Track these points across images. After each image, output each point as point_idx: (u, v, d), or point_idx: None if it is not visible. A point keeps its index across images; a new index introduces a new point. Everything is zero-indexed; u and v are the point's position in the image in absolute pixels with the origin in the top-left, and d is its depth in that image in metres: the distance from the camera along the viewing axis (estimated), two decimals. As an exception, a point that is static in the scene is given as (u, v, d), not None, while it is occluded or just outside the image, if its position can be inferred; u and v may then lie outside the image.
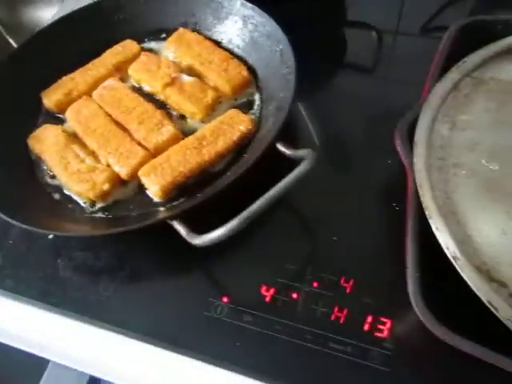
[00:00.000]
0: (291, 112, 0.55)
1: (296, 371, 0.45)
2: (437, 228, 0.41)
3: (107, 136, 0.61)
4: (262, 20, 0.68)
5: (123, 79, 0.71)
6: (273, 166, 0.51)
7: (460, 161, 0.48)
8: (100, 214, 0.58)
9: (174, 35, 0.73)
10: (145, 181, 0.57)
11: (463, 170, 0.47)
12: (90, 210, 0.58)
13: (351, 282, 0.49)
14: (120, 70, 0.72)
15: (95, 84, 0.69)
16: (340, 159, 0.61)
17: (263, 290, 0.50)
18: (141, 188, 0.59)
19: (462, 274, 0.38)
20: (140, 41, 0.75)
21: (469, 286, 0.38)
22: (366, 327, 0.46)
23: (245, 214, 0.41)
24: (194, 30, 0.74)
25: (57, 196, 0.60)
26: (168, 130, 0.61)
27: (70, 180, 0.58)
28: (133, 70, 0.70)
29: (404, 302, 0.40)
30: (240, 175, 0.51)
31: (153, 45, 0.76)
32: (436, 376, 0.43)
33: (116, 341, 0.50)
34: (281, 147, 0.52)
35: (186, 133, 0.63)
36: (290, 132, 0.62)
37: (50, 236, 0.58)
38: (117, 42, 0.74)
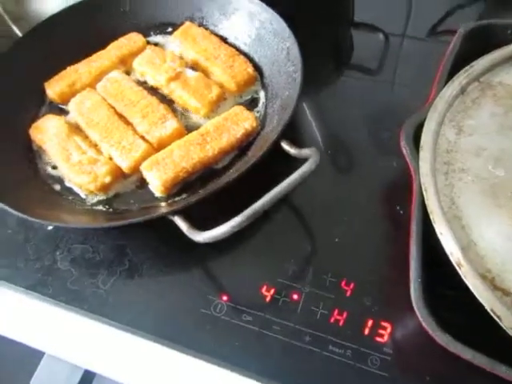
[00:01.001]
0: (296, 111, 0.55)
1: (294, 372, 0.44)
2: (441, 233, 0.41)
3: (110, 128, 0.61)
4: (268, 17, 0.67)
5: (127, 72, 0.71)
6: (276, 163, 0.51)
7: (466, 166, 0.47)
8: (100, 207, 0.57)
9: (180, 29, 0.72)
10: (147, 175, 0.57)
11: (469, 176, 0.47)
12: (91, 202, 0.58)
13: (352, 285, 0.49)
14: (124, 63, 0.71)
15: (99, 76, 0.69)
16: (344, 160, 0.60)
17: (264, 289, 0.49)
18: (142, 182, 0.59)
19: (465, 280, 0.38)
20: (145, 34, 0.74)
21: (472, 293, 0.37)
22: (367, 331, 0.45)
23: (248, 211, 0.40)
24: (200, 25, 0.74)
25: (57, 187, 0.60)
26: (172, 124, 0.61)
27: (71, 171, 0.58)
28: (137, 63, 0.69)
29: (406, 307, 0.39)
30: (243, 172, 0.50)
31: (158, 38, 0.76)
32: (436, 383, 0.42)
33: (113, 335, 0.50)
34: (285, 146, 0.52)
35: (189, 128, 0.63)
36: (294, 131, 0.62)
37: (50, 227, 0.57)
38: (122, 34, 0.73)
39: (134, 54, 0.71)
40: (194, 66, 0.69)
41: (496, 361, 0.36)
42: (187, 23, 0.73)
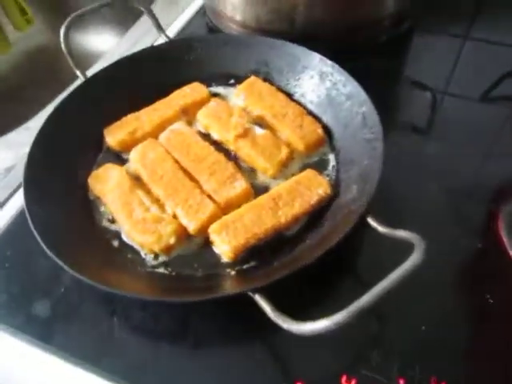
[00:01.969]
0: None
1: None
2: None
3: (175, 185, 0.58)
4: (341, 79, 0.65)
5: (189, 122, 0.69)
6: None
7: None
8: (162, 270, 0.53)
9: (245, 83, 0.71)
10: (215, 239, 0.53)
11: None
12: (151, 263, 0.54)
13: (443, 385, 0.44)
14: (186, 113, 0.69)
15: (161, 125, 0.67)
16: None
17: (343, 379, 0.45)
18: (207, 244, 0.55)
19: None
20: (207, 84, 0.73)
21: None
22: None
23: (353, 307, 0.36)
24: (265, 79, 0.72)
25: (115, 243, 0.56)
26: (241, 184, 0.58)
27: (134, 229, 0.54)
28: (202, 116, 0.67)
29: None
30: (327, 251, 0.46)
31: (220, 90, 0.74)
32: None
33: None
34: (372, 222, 0.48)
35: (255, 188, 0.60)
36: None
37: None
38: (183, 83, 0.72)
39: (197, 104, 0.69)
40: (260, 123, 0.67)
41: None
42: (252, 77, 0.72)
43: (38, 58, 1.24)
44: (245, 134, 0.63)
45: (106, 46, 1.12)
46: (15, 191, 0.65)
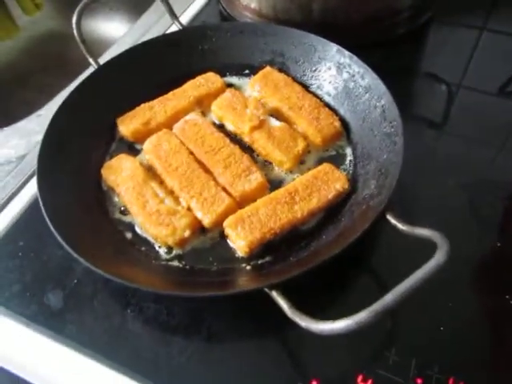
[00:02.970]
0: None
1: None
2: None
3: (190, 177, 0.57)
4: (360, 70, 0.64)
5: (203, 113, 0.68)
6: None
7: None
8: (176, 263, 0.53)
9: (260, 73, 0.69)
10: (230, 233, 0.52)
11: None
12: (165, 256, 0.53)
13: (462, 386, 0.43)
14: (201, 104, 0.68)
15: (175, 115, 0.66)
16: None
17: (359, 379, 0.44)
18: (222, 238, 0.54)
19: None
20: (221, 74, 0.71)
21: None
22: None
23: (377, 306, 0.35)
24: (280, 70, 0.71)
25: (129, 235, 0.55)
26: (256, 177, 0.57)
27: (148, 221, 0.54)
28: (216, 106, 0.66)
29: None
30: (345, 248, 0.45)
31: (234, 80, 0.73)
32: None
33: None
34: (392, 219, 0.47)
35: (270, 182, 0.59)
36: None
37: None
38: (198, 72, 0.71)
39: (212, 95, 0.68)
40: (275, 115, 0.66)
41: None
42: (267, 68, 0.70)
43: (47, 43, 1.22)
44: (260, 125, 0.62)
45: (117, 32, 1.10)
46: (27, 180, 0.64)
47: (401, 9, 0.80)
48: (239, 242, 0.52)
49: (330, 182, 0.55)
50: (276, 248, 0.53)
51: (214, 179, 0.57)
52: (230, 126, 0.65)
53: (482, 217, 0.57)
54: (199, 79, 0.69)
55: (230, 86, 0.71)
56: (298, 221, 0.53)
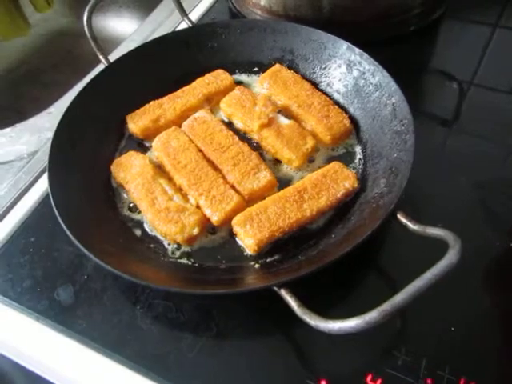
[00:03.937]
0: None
1: None
2: None
3: (198, 174, 0.57)
4: (370, 68, 0.63)
5: (212, 111, 0.68)
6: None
7: None
8: (185, 260, 0.53)
9: (269, 71, 0.69)
10: (239, 231, 0.52)
11: None
12: (174, 254, 0.54)
13: (473, 386, 0.43)
14: (210, 101, 0.68)
15: (184, 113, 0.66)
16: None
17: (368, 379, 0.44)
18: (230, 236, 0.54)
19: None
20: (230, 71, 0.71)
21: None
22: None
23: (387, 306, 0.35)
24: (289, 68, 0.70)
25: (138, 232, 0.56)
26: (265, 176, 0.57)
27: (157, 218, 0.54)
28: (225, 104, 0.66)
29: None
30: (354, 247, 0.45)
31: (243, 77, 0.73)
32: None
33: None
34: (402, 218, 0.47)
35: (279, 180, 0.59)
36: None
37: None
38: (207, 70, 0.71)
39: (221, 92, 0.68)
40: (284, 112, 0.65)
41: None
42: (276, 65, 0.70)
43: (57, 40, 1.23)
44: (269, 123, 0.62)
45: (127, 30, 1.10)
46: (38, 177, 0.65)
47: (412, 5, 0.79)
48: (248, 240, 0.52)
49: (339, 181, 0.55)
50: (284, 246, 0.53)
51: (223, 177, 0.57)
52: (238, 124, 0.65)
53: (494, 216, 0.56)
54: (208, 76, 0.69)
55: (239, 83, 0.71)
56: (306, 219, 0.53)
